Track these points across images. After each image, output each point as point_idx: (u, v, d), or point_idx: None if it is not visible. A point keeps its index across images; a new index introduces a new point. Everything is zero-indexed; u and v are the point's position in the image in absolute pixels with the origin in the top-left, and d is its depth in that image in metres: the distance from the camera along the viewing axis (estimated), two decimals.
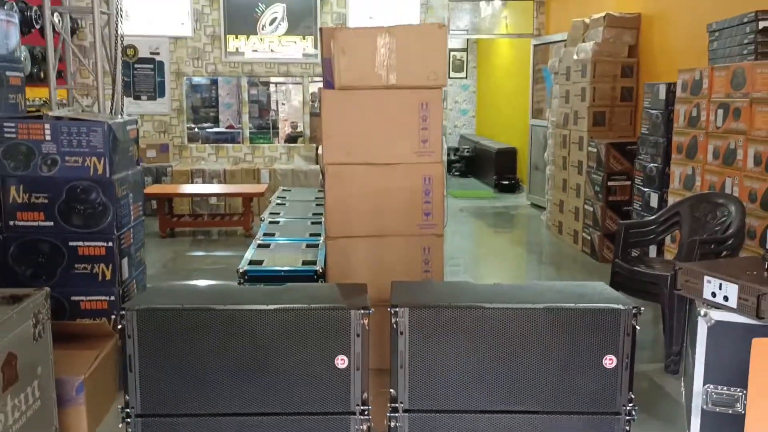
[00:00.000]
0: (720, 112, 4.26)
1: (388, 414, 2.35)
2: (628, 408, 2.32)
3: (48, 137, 3.31)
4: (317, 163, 8.73)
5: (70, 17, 4.74)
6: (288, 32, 8.74)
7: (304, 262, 3.45)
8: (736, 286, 2.48)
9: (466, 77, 13.24)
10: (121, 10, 4.27)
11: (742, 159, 4.00)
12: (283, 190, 5.95)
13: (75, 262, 3.40)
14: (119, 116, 3.94)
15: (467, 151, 12.18)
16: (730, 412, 2.43)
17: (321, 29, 3.59)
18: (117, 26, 4.22)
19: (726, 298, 2.50)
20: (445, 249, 3.32)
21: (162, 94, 8.70)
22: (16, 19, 3.58)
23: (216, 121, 12.45)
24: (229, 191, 7.71)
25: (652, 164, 5.31)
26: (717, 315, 2.47)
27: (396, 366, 2.30)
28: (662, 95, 5.20)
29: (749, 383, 2.30)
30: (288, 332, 2.26)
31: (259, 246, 3.83)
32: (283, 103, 12.87)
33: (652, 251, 5.11)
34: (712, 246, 3.69)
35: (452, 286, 2.91)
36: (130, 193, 3.64)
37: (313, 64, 8.81)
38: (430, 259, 3.16)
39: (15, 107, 3.54)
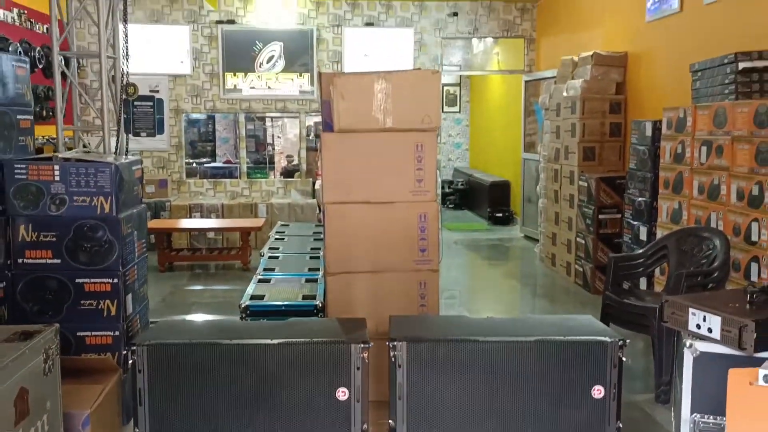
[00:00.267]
0: (704, 149, 4.42)
1: None
2: None
3: (57, 178, 3.43)
4: (314, 197, 8.87)
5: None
6: (285, 69, 8.96)
7: (304, 297, 3.56)
8: (719, 318, 2.58)
9: (460, 111, 13.48)
10: (127, 54, 4.43)
11: (726, 194, 4.16)
12: (282, 225, 6.06)
13: (81, 298, 3.49)
14: (124, 156, 4.08)
15: (461, 184, 12.34)
16: None
17: (320, 74, 3.75)
18: (123, 70, 4.38)
19: (710, 330, 2.60)
20: (441, 281, 3.43)
21: (161, 131, 8.86)
22: (26, 65, 3.73)
23: (213, 155, 12.61)
24: (227, 226, 7.82)
25: (640, 198, 5.47)
26: (702, 346, 2.57)
27: (395, 397, 2.40)
28: (649, 132, 5.38)
29: (727, 413, 2.39)
30: (291, 365, 2.36)
31: (260, 281, 3.94)
32: (279, 137, 13.05)
33: (643, 283, 5.23)
34: (699, 278, 3.82)
35: (447, 320, 3.03)
36: (135, 230, 3.75)
37: (310, 100, 9.02)
38: (426, 293, 3.27)
39: (25, 149, 3.67)
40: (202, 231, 8.07)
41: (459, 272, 7.60)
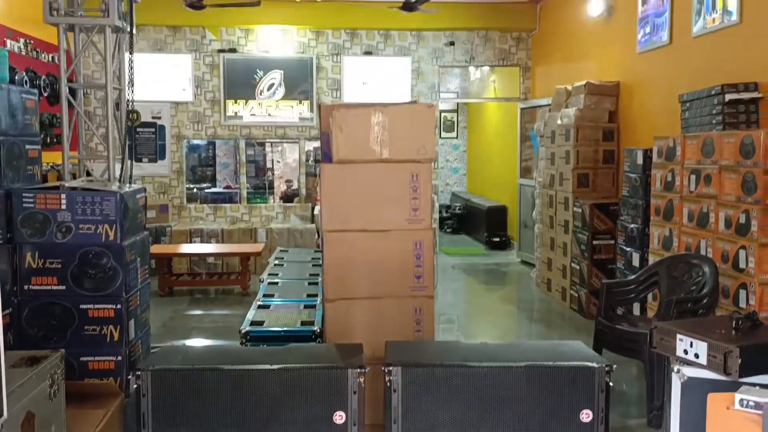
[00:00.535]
0: (693, 177, 4.54)
1: None
2: None
3: (64, 206, 3.54)
4: (313, 222, 8.98)
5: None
6: (285, 97, 9.13)
7: (303, 323, 3.64)
8: (705, 344, 2.67)
9: (457, 137, 13.65)
10: (132, 84, 4.57)
11: (714, 222, 4.26)
12: (281, 250, 6.15)
13: (85, 323, 3.58)
14: (128, 185, 4.19)
15: (459, 209, 12.45)
16: None
17: (320, 105, 3.88)
18: (129, 99, 4.51)
19: (697, 356, 2.68)
20: (438, 305, 3.52)
21: (162, 156, 8.99)
22: (35, 96, 3.85)
23: (213, 180, 12.74)
24: (226, 251, 7.90)
25: (632, 225, 5.57)
26: (689, 371, 2.64)
27: (390, 421, 2.48)
28: (640, 160, 5.50)
29: None
30: (290, 390, 2.44)
31: (260, 307, 4.03)
32: (278, 162, 13.18)
33: (636, 309, 5.32)
34: (689, 305, 3.91)
35: (442, 345, 3.11)
36: (138, 257, 3.85)
37: (309, 126, 9.17)
38: (421, 319, 3.35)
39: (32, 177, 3.78)
40: (202, 256, 8.15)
41: (456, 297, 7.67)
